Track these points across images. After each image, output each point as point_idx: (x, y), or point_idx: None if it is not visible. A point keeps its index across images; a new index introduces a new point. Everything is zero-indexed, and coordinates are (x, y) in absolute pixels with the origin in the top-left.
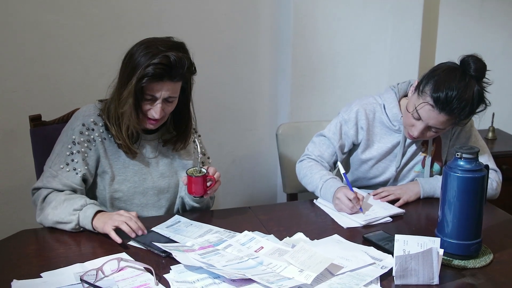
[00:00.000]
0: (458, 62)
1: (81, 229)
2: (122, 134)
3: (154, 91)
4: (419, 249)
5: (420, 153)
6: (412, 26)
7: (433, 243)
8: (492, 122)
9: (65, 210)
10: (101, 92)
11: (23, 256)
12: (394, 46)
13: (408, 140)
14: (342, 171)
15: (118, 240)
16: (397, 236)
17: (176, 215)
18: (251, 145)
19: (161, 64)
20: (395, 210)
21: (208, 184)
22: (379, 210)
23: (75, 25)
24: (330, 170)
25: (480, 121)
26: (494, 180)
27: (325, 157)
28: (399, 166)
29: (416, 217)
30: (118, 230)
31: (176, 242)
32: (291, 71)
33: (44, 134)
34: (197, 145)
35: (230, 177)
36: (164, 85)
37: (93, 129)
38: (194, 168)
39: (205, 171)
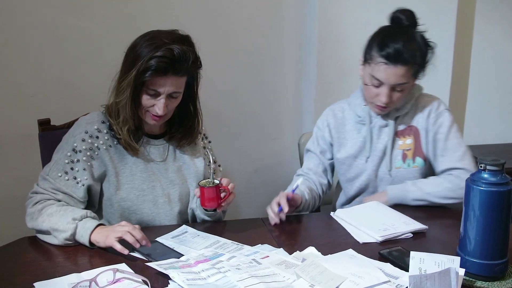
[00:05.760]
0: (389, 23)
1: (71, 242)
2: (122, 130)
3: (158, 86)
4: (436, 269)
5: (398, 146)
6: (446, 32)
7: (452, 262)
8: None
9: (63, 218)
10: None
11: (19, 265)
12: None
13: (375, 130)
14: (294, 185)
15: (125, 251)
16: (412, 253)
17: (184, 225)
18: (275, 155)
19: (165, 57)
20: (417, 225)
21: (222, 195)
22: (400, 225)
23: (94, 29)
24: (323, 179)
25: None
26: (460, 177)
27: (312, 168)
28: (368, 156)
29: (440, 233)
30: (121, 242)
31: (179, 253)
32: (315, 78)
33: (53, 139)
34: (208, 153)
35: (252, 187)
36: (168, 79)
37: (97, 137)
38: (207, 180)
39: (218, 182)
